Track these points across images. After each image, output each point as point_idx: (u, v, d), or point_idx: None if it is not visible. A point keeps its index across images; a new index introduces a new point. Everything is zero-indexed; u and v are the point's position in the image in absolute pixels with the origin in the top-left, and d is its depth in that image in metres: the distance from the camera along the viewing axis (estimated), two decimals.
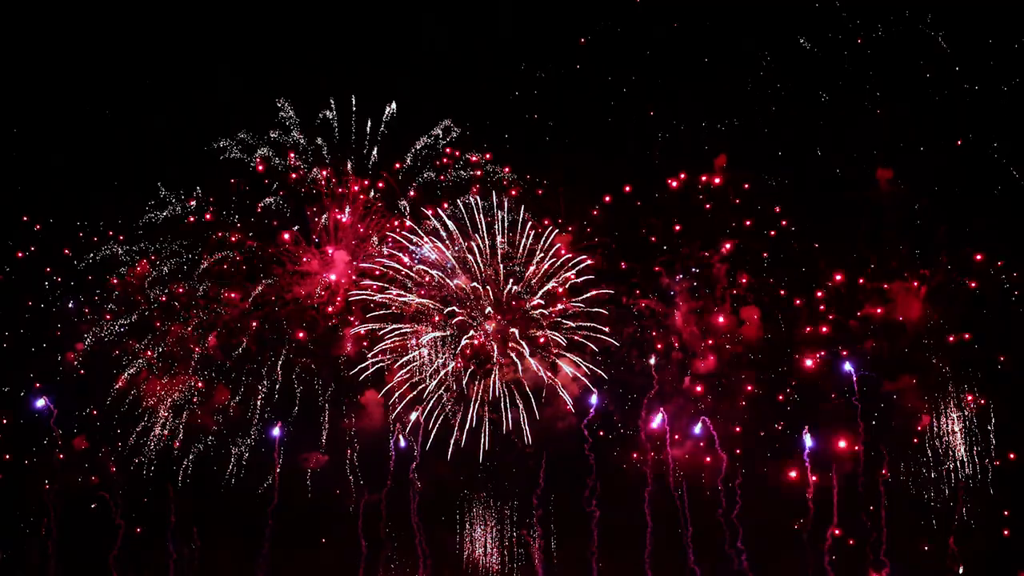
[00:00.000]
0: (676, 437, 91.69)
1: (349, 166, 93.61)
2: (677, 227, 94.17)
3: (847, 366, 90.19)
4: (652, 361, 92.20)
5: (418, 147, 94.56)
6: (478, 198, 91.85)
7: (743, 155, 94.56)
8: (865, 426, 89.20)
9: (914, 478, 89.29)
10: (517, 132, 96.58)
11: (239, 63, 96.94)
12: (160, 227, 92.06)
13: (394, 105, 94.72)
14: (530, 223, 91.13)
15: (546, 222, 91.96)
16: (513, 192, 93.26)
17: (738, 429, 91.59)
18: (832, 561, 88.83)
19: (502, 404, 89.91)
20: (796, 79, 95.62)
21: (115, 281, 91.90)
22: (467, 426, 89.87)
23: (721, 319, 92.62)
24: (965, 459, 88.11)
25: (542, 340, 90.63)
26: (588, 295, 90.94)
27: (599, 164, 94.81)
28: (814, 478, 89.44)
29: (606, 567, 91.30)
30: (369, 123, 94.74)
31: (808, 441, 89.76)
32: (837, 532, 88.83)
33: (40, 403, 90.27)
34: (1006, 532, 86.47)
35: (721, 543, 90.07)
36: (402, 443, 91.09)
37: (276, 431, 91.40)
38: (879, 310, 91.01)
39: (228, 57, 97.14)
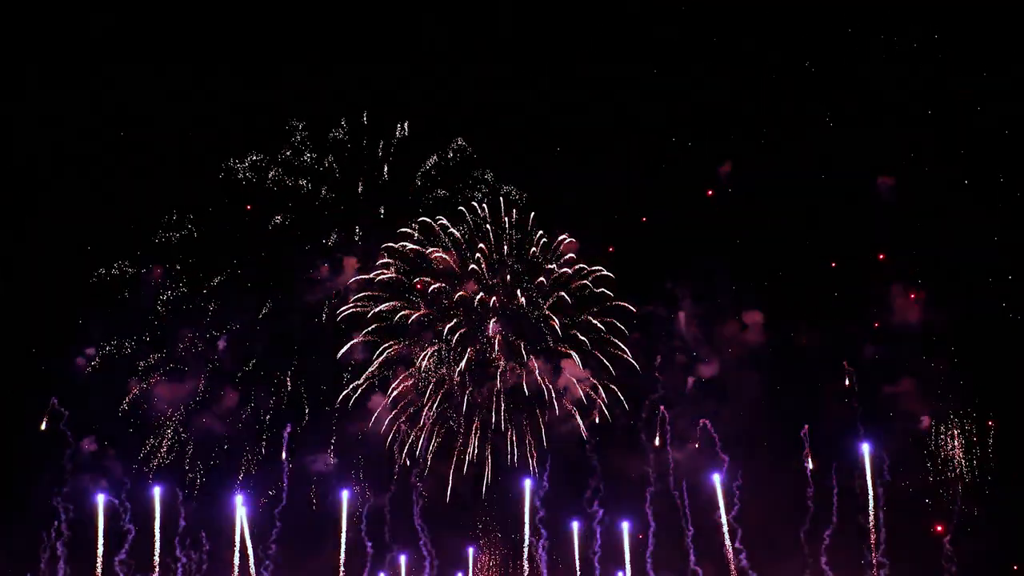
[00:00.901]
0: (677, 439, 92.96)
1: (360, 188, 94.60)
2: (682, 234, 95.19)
3: (847, 370, 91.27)
4: (656, 364, 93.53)
5: (429, 166, 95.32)
6: (487, 208, 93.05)
7: (748, 162, 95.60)
8: (864, 429, 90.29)
9: (912, 480, 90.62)
10: (526, 144, 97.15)
11: (252, 84, 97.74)
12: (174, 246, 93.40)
13: (407, 126, 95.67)
14: (540, 233, 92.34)
15: (558, 233, 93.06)
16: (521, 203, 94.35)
17: (739, 431, 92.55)
18: (830, 561, 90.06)
19: (503, 425, 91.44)
20: (800, 88, 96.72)
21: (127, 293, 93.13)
22: (468, 457, 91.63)
23: (725, 324, 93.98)
24: (963, 465, 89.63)
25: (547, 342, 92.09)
26: (595, 310, 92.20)
27: (607, 174, 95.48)
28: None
29: (609, 567, 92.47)
30: (381, 143, 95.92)
31: (807, 443, 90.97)
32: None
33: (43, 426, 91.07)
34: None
35: (721, 543, 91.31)
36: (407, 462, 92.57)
37: (285, 435, 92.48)
38: (880, 315, 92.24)
39: (241, 77, 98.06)
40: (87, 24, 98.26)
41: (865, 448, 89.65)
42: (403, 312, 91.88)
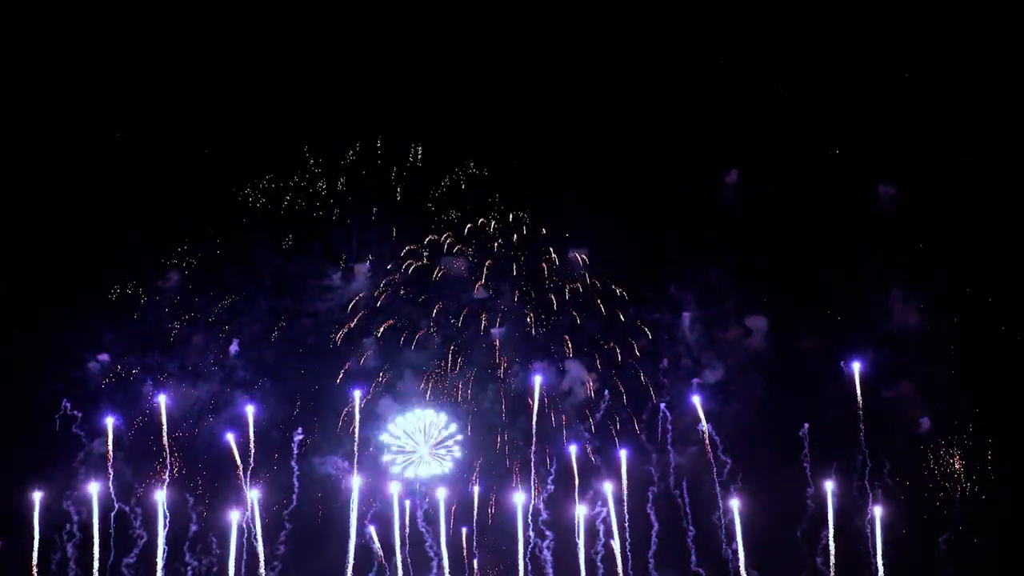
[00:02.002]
0: (679, 442, 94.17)
1: (373, 212, 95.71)
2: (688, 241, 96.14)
3: (848, 373, 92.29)
4: (661, 368, 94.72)
5: (441, 190, 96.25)
6: (495, 227, 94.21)
7: (750, 165, 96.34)
8: (865, 432, 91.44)
9: (911, 483, 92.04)
10: (531, 158, 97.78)
11: (252, 84, 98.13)
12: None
13: (420, 149, 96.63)
14: (550, 251, 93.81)
15: (568, 249, 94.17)
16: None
17: (741, 434, 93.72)
18: (828, 562, 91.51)
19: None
20: (801, 88, 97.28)
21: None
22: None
23: (728, 329, 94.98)
24: (962, 468, 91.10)
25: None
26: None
27: (610, 179, 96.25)
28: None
29: (611, 567, 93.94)
30: (395, 168, 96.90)
31: (807, 443, 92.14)
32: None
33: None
34: None
35: (720, 544, 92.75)
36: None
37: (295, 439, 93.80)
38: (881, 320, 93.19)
39: (241, 77, 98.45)
40: (87, 24, 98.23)
41: (856, 367, 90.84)
42: (406, 332, 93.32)
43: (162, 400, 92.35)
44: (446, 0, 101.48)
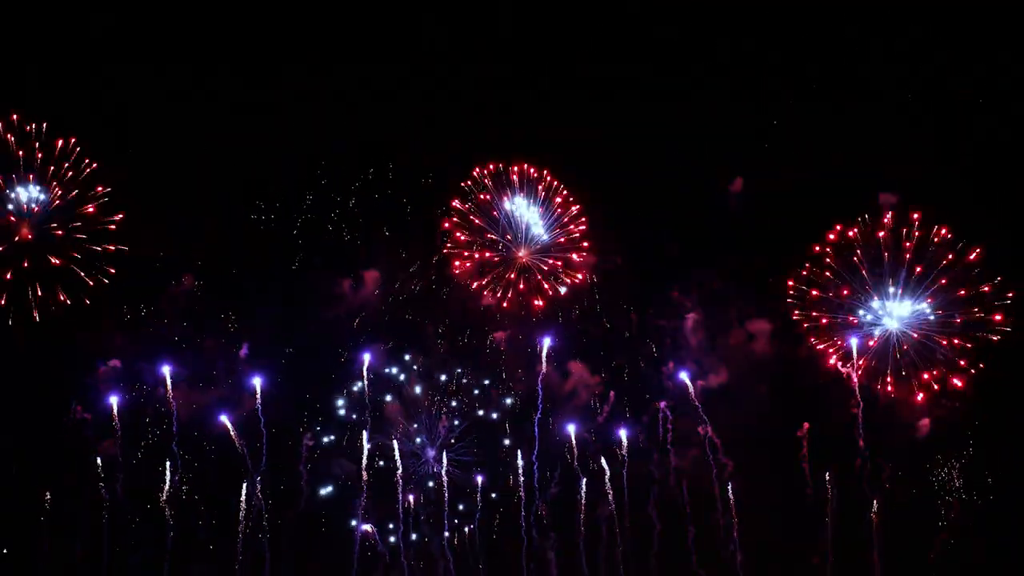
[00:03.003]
0: (681, 444, 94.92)
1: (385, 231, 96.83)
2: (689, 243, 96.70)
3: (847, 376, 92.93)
4: (665, 371, 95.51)
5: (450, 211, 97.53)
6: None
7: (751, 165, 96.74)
8: (865, 435, 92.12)
9: (909, 487, 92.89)
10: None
11: (252, 84, 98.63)
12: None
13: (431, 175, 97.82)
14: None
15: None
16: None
17: (741, 437, 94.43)
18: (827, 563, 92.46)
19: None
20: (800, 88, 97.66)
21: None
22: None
23: (730, 333, 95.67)
24: (957, 475, 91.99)
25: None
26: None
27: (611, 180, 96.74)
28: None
29: (613, 567, 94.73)
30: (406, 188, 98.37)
31: (806, 442, 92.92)
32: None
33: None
34: None
35: (721, 544, 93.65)
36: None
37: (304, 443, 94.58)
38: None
39: (241, 77, 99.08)
40: (87, 24, 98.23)
41: (853, 342, 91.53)
42: (413, 343, 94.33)
43: (166, 371, 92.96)
44: (446, 0, 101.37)
